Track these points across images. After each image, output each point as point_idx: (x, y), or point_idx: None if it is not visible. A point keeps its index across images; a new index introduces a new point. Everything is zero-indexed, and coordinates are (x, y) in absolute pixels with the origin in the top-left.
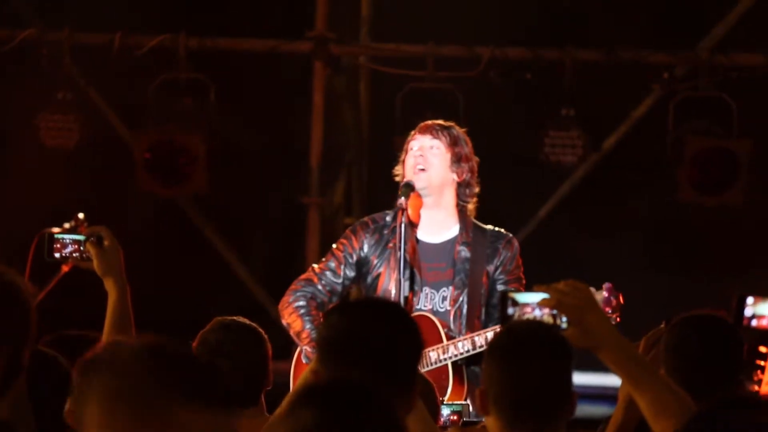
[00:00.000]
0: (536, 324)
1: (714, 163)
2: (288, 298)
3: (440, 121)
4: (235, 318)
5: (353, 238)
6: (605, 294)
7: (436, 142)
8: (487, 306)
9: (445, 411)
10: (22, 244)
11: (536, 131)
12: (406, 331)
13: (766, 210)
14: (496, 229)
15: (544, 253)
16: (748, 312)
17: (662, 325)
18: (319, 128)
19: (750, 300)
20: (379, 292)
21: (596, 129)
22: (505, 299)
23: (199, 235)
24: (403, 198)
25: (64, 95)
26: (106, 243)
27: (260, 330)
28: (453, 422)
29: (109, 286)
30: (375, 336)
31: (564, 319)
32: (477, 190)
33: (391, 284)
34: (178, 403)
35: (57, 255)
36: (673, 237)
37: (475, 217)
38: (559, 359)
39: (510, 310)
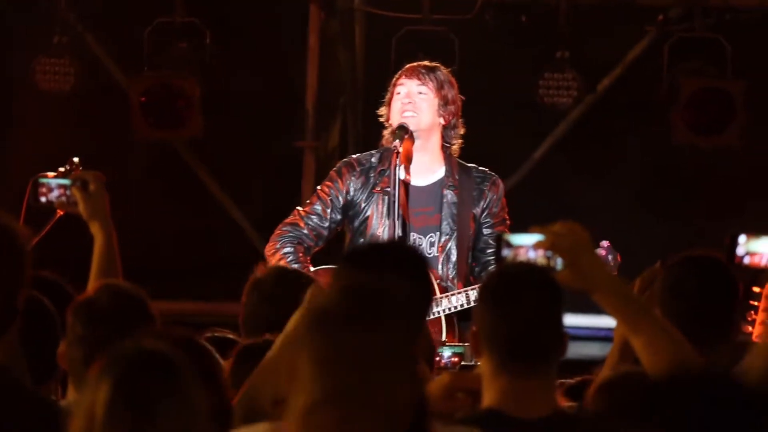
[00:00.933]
0: (527, 265)
1: (709, 103)
2: (274, 243)
3: (426, 63)
4: None
5: (339, 180)
6: (602, 252)
7: (423, 88)
8: (473, 249)
9: (447, 353)
10: (20, 189)
11: (531, 73)
12: (415, 274)
13: (761, 151)
14: (481, 168)
15: (539, 194)
16: (740, 250)
17: (657, 265)
18: (315, 72)
19: (742, 238)
20: (368, 236)
21: (591, 71)
22: (499, 241)
23: (196, 179)
24: (397, 140)
25: (60, 39)
26: (91, 187)
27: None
28: (454, 364)
29: (95, 230)
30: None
31: (559, 260)
32: (462, 131)
33: (379, 228)
34: None
35: (43, 199)
36: (668, 178)
37: (461, 157)
38: (549, 300)
39: (504, 252)
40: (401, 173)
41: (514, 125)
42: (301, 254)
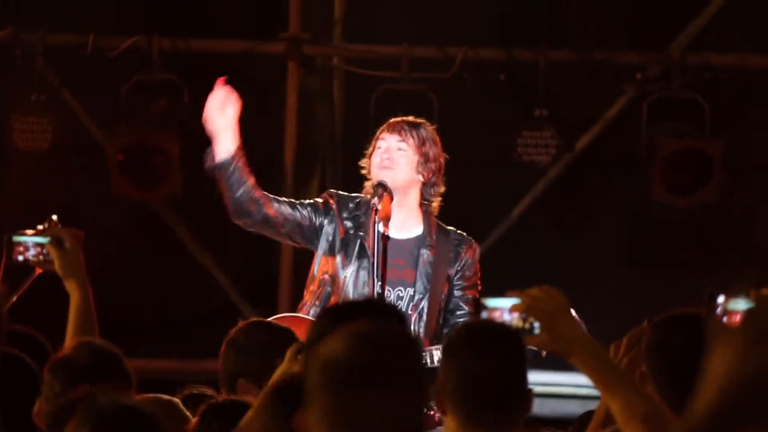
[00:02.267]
0: (490, 322)
1: (687, 164)
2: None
3: (410, 118)
4: None
5: (319, 203)
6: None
7: (403, 144)
8: (444, 311)
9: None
10: None
11: (510, 132)
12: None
13: (739, 208)
14: (459, 232)
15: (518, 253)
16: (719, 310)
17: (645, 323)
18: (293, 128)
19: (721, 298)
20: (332, 281)
21: (569, 129)
22: (477, 305)
23: (174, 237)
24: (376, 198)
25: (38, 97)
26: (66, 245)
27: None
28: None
29: (71, 287)
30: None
31: (536, 324)
32: (442, 189)
33: (347, 270)
34: None
35: (20, 258)
36: (647, 236)
37: (439, 216)
38: (513, 355)
39: (482, 315)
40: (380, 229)
41: (493, 183)
42: (260, 191)
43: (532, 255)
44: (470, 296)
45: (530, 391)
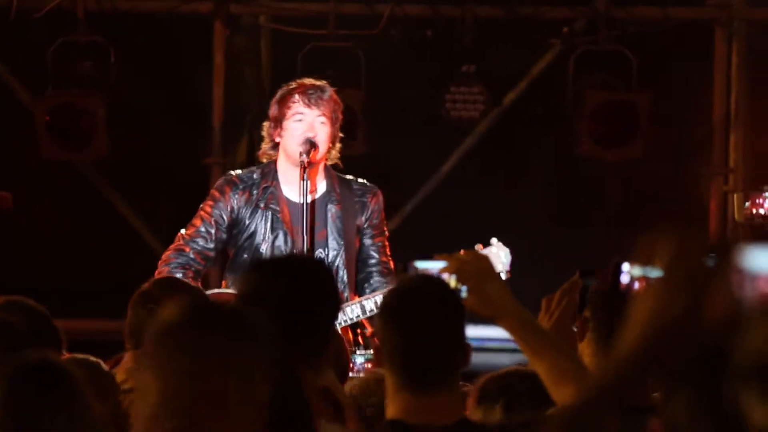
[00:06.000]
0: (423, 279)
1: (614, 116)
2: (164, 269)
3: (316, 83)
4: None
5: (222, 199)
6: (493, 249)
7: (322, 118)
8: (357, 261)
9: (359, 360)
10: None
11: (438, 88)
12: (320, 286)
13: (663, 161)
14: (360, 180)
15: (447, 208)
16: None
17: (576, 276)
18: (221, 89)
19: (626, 266)
20: (252, 252)
21: (497, 84)
22: (405, 268)
23: (103, 199)
24: (305, 156)
25: None
26: None
27: None
28: (367, 370)
29: None
30: (289, 294)
31: (463, 288)
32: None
33: (264, 245)
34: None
35: None
36: (573, 190)
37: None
38: (447, 311)
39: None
40: (307, 187)
41: (421, 140)
42: (191, 279)
43: (461, 211)
44: (380, 243)
45: (467, 345)
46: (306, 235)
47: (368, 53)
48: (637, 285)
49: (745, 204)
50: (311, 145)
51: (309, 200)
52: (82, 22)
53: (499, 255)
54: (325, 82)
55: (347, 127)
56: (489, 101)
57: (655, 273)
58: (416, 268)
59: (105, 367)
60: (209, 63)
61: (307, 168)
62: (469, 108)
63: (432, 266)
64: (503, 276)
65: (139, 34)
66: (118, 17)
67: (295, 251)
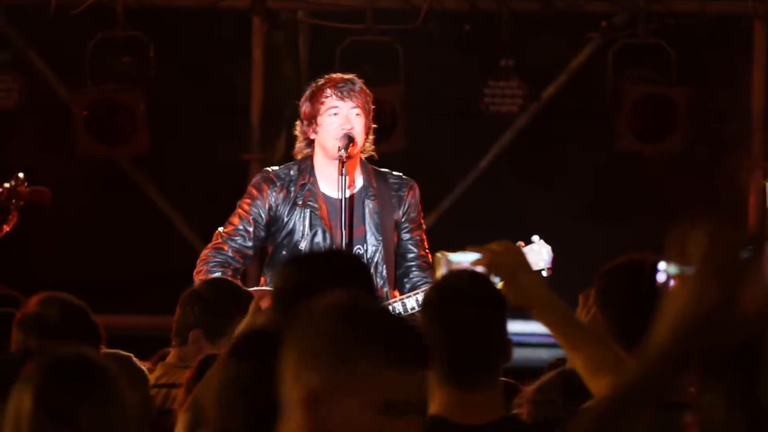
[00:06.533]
0: (467, 275)
1: (653, 110)
2: (202, 270)
3: (345, 76)
4: None
5: (261, 196)
6: (534, 246)
7: (357, 110)
8: (395, 255)
9: None
10: None
11: (476, 82)
12: (358, 283)
13: (702, 155)
14: (396, 174)
15: (485, 203)
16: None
17: None
18: (259, 84)
19: (662, 265)
20: (290, 250)
21: (536, 79)
22: (437, 259)
23: (142, 194)
24: (343, 151)
25: (2, 56)
26: None
27: None
28: None
29: None
30: (327, 289)
31: (497, 279)
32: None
33: (303, 242)
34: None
35: None
36: (613, 185)
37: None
38: (489, 309)
39: (442, 270)
40: (346, 182)
41: (460, 134)
42: (230, 277)
43: (499, 205)
44: (418, 237)
45: (509, 341)
46: (345, 230)
47: (406, 48)
48: (672, 283)
49: None
50: (349, 139)
51: (347, 195)
52: (120, 18)
53: (540, 252)
54: (353, 75)
55: (386, 122)
56: (527, 96)
57: (690, 270)
58: (449, 261)
59: (136, 361)
60: (248, 58)
61: (345, 162)
62: (507, 102)
63: (465, 258)
64: (545, 273)
65: (177, 30)
66: (156, 13)
67: (333, 247)
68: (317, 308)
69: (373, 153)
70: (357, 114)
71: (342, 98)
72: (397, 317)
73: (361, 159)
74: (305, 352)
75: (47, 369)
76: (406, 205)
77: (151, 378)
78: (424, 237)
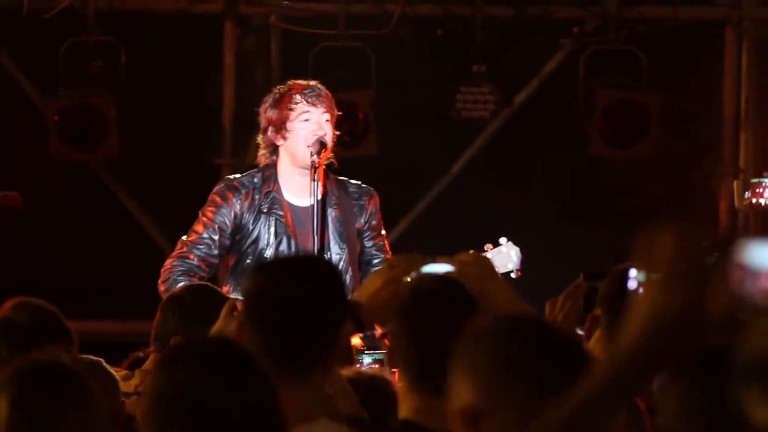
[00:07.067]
0: (437, 280)
1: (625, 116)
2: (168, 277)
3: (311, 83)
4: None
5: (226, 204)
6: (503, 248)
7: (327, 116)
8: (359, 263)
9: (367, 359)
10: None
11: (448, 88)
12: (327, 286)
13: (675, 162)
14: (354, 182)
15: (458, 208)
16: (632, 284)
17: (580, 279)
18: (231, 89)
19: (633, 272)
20: (256, 257)
21: (508, 84)
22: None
23: (113, 199)
24: (316, 156)
25: None
26: None
27: None
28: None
29: None
30: (299, 294)
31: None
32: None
33: (268, 250)
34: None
35: None
36: (587, 189)
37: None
38: (461, 310)
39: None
40: (318, 187)
41: (432, 140)
42: None
43: (472, 211)
44: (381, 243)
45: None
46: (317, 236)
47: (378, 53)
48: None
49: (745, 193)
50: (322, 144)
51: (306, 204)
52: (92, 22)
53: (509, 254)
54: (317, 82)
55: (358, 128)
56: (499, 101)
57: (657, 276)
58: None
59: (106, 366)
60: (219, 63)
61: (317, 168)
62: (479, 108)
63: (436, 269)
64: (513, 275)
65: (149, 35)
66: (128, 17)
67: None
68: (481, 327)
69: (333, 161)
70: (327, 120)
71: (313, 104)
72: (559, 331)
73: (323, 167)
74: (467, 369)
75: (22, 375)
76: (368, 214)
77: (130, 385)
78: (386, 242)
